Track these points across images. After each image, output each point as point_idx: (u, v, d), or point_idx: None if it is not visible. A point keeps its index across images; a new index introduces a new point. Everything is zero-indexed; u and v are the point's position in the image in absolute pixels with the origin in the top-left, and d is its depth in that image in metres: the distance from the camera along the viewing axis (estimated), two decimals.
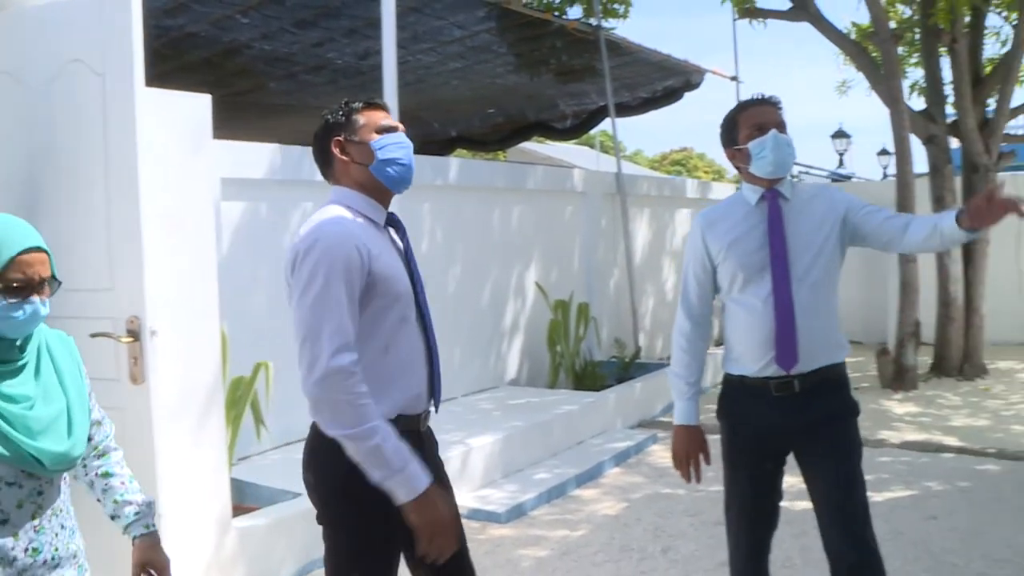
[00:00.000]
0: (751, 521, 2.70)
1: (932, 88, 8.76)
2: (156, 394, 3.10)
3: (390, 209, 2.20)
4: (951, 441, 6.08)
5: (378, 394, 2.01)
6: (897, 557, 3.86)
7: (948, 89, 8.70)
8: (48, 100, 3.22)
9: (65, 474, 1.85)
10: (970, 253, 8.43)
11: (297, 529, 3.90)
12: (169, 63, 7.44)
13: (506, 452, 5.37)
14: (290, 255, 2.03)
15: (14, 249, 1.71)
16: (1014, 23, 8.74)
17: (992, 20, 9.78)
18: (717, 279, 2.68)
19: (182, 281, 3.30)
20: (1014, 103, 8.79)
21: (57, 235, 2.66)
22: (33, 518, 1.75)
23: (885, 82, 8.26)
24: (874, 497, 2.58)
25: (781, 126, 2.56)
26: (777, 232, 2.55)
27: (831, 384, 2.59)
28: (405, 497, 1.94)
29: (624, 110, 10.82)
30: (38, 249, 1.75)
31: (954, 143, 8.71)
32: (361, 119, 2.14)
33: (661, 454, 5.95)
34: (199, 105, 3.47)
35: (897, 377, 7.95)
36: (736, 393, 2.68)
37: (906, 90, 9.42)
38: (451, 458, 4.78)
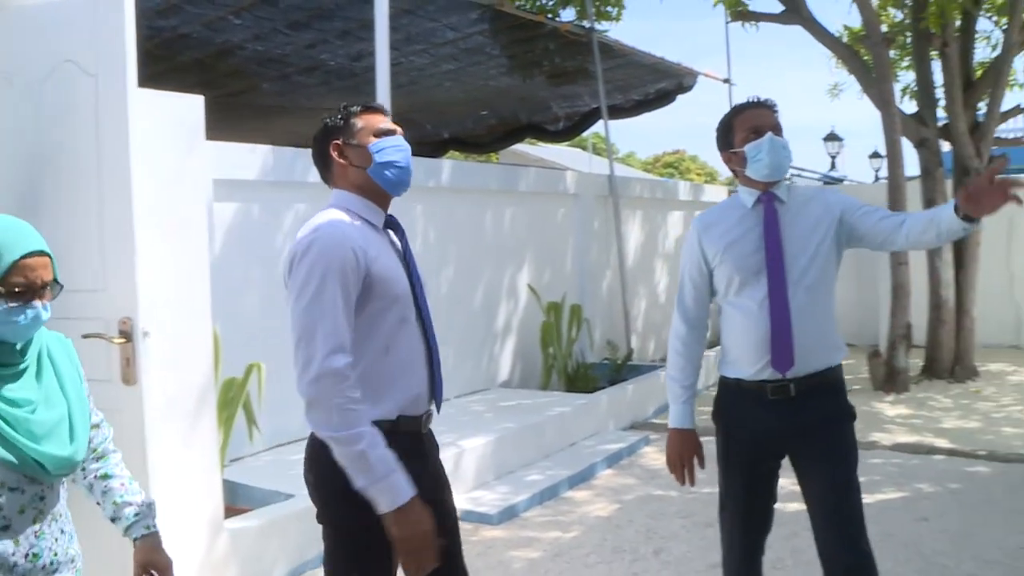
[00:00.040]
0: (745, 523, 2.70)
1: (923, 92, 8.80)
2: (148, 395, 3.08)
3: (389, 211, 2.20)
4: (942, 443, 6.10)
5: (379, 395, 2.01)
6: (888, 559, 3.87)
7: (939, 93, 8.73)
8: (40, 101, 3.20)
9: (64, 478, 1.84)
10: (961, 256, 8.46)
11: (289, 531, 3.89)
12: (162, 64, 7.42)
13: (498, 454, 5.37)
14: (287, 257, 2.03)
15: (16, 253, 1.68)
16: (1004, 27, 8.79)
17: (983, 24, 9.85)
18: (713, 282, 2.68)
19: (175, 282, 3.29)
20: (1004, 107, 8.84)
21: (49, 236, 2.62)
22: (34, 523, 1.74)
23: (877, 85, 8.29)
24: (865, 499, 2.57)
25: (777, 129, 2.57)
26: (773, 235, 2.55)
27: (827, 387, 2.59)
28: (387, 507, 1.92)
29: (617, 112, 10.83)
30: (40, 253, 1.73)
31: (945, 146, 8.74)
32: (359, 123, 2.14)
33: (653, 456, 5.95)
34: (192, 106, 3.47)
35: (888, 379, 7.96)
36: (732, 396, 2.68)
37: (898, 93, 9.45)
38: (443, 460, 4.70)
